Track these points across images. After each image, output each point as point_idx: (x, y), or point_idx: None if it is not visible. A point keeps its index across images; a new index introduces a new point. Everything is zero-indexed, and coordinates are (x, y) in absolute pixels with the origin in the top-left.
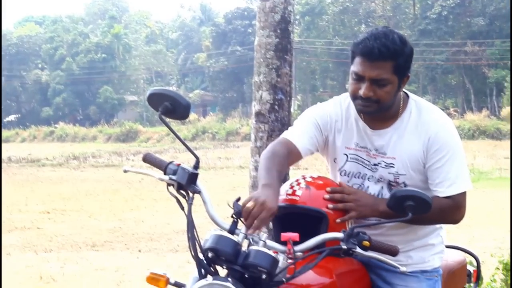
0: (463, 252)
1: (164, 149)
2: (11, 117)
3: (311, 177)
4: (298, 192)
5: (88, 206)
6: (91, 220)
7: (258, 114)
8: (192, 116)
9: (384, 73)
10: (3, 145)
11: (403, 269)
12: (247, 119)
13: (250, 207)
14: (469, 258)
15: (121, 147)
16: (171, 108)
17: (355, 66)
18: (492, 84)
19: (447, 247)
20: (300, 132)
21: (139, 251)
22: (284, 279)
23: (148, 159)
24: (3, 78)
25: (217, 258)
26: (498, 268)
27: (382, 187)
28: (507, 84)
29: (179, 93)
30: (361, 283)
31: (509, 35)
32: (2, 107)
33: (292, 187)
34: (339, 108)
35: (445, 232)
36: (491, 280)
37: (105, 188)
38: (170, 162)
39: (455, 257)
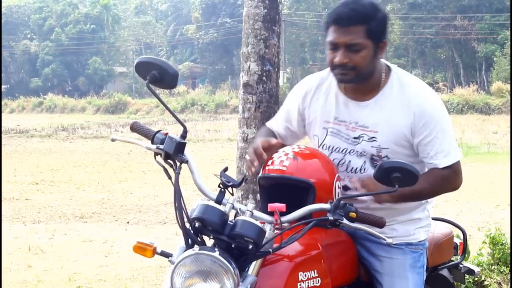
0: (450, 225)
1: (153, 121)
2: None
3: (299, 147)
4: (286, 163)
5: (77, 178)
6: (79, 192)
7: (246, 85)
8: (181, 88)
9: (357, 37)
10: None
11: (389, 241)
12: (237, 92)
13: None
14: (456, 231)
15: (110, 118)
16: (158, 76)
17: (329, 35)
18: (482, 58)
19: (435, 219)
20: (279, 128)
21: (128, 222)
22: (270, 250)
23: (136, 128)
24: None
25: (204, 228)
26: (485, 242)
27: (364, 162)
28: (496, 59)
29: (167, 62)
30: (348, 254)
31: (498, 9)
32: None
33: (279, 157)
34: (316, 80)
35: (432, 207)
36: (478, 254)
37: (94, 159)
38: (158, 131)
39: (442, 229)
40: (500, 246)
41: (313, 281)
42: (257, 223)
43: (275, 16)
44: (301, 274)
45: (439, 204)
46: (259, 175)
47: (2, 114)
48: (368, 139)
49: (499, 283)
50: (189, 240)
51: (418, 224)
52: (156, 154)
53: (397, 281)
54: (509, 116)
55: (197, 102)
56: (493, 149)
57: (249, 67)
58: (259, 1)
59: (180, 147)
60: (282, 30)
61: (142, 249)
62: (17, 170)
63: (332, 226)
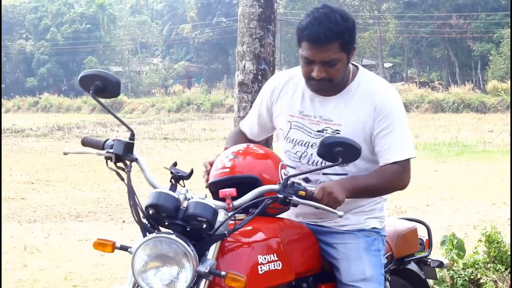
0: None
1: (149, 120)
2: None
3: (239, 148)
4: (228, 164)
5: (73, 177)
6: (75, 191)
7: (241, 84)
8: (177, 87)
9: (333, 54)
10: None
11: (340, 213)
12: (232, 91)
13: None
14: (451, 232)
15: (105, 118)
16: (102, 86)
17: (304, 51)
18: (477, 57)
19: (400, 219)
20: (252, 123)
21: (123, 222)
22: (226, 232)
23: (86, 141)
24: None
25: (159, 215)
26: (480, 240)
27: None
28: (492, 58)
29: (109, 72)
30: (309, 244)
31: (494, 8)
32: None
33: (222, 161)
34: (284, 77)
35: (387, 203)
36: (473, 252)
37: (89, 158)
38: (107, 139)
39: (405, 223)
40: (496, 244)
41: (274, 264)
42: (209, 203)
43: (270, 15)
44: (260, 257)
45: (434, 203)
46: (207, 183)
47: None
48: (332, 132)
49: (495, 281)
50: (147, 233)
51: (372, 214)
52: (107, 159)
53: (352, 263)
54: (504, 115)
55: (192, 102)
56: (488, 148)
57: (244, 66)
58: (254, 0)
59: (128, 147)
60: (277, 29)
61: (102, 245)
62: (12, 170)
63: (283, 204)
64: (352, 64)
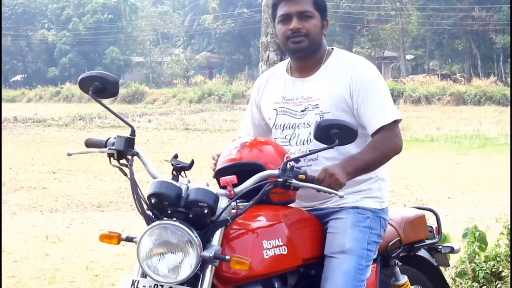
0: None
1: (170, 111)
2: (17, 77)
3: (248, 140)
4: (234, 152)
5: (94, 167)
6: (96, 181)
7: None
8: (199, 78)
9: (307, 6)
10: (9, 105)
11: (341, 193)
12: (253, 82)
13: None
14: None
15: (127, 108)
16: (101, 87)
17: (281, 11)
18: (499, 50)
19: (409, 208)
20: (248, 127)
21: None
22: (229, 218)
23: (90, 143)
24: (9, 38)
25: (161, 204)
26: (502, 233)
27: (310, 133)
28: None
29: (107, 72)
30: (313, 230)
31: None
32: (8, 67)
33: (229, 150)
34: (267, 74)
35: (387, 184)
36: (495, 245)
37: None
38: (109, 138)
39: (413, 211)
40: None
41: (279, 249)
42: (210, 188)
43: None
44: (265, 243)
45: (455, 195)
46: (215, 171)
47: (20, 103)
48: (312, 108)
49: None
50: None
51: (369, 194)
52: (110, 156)
53: (337, 236)
54: None
55: (214, 92)
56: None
57: (268, 57)
58: None
59: (129, 142)
60: None
61: (108, 237)
62: (34, 159)
63: (283, 188)
64: (329, 47)
